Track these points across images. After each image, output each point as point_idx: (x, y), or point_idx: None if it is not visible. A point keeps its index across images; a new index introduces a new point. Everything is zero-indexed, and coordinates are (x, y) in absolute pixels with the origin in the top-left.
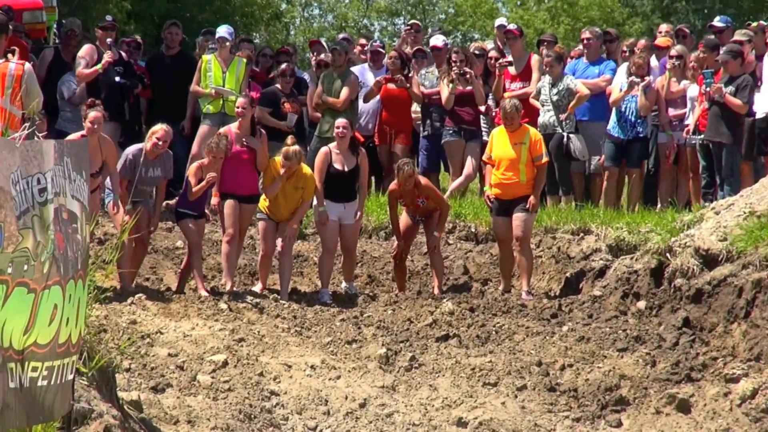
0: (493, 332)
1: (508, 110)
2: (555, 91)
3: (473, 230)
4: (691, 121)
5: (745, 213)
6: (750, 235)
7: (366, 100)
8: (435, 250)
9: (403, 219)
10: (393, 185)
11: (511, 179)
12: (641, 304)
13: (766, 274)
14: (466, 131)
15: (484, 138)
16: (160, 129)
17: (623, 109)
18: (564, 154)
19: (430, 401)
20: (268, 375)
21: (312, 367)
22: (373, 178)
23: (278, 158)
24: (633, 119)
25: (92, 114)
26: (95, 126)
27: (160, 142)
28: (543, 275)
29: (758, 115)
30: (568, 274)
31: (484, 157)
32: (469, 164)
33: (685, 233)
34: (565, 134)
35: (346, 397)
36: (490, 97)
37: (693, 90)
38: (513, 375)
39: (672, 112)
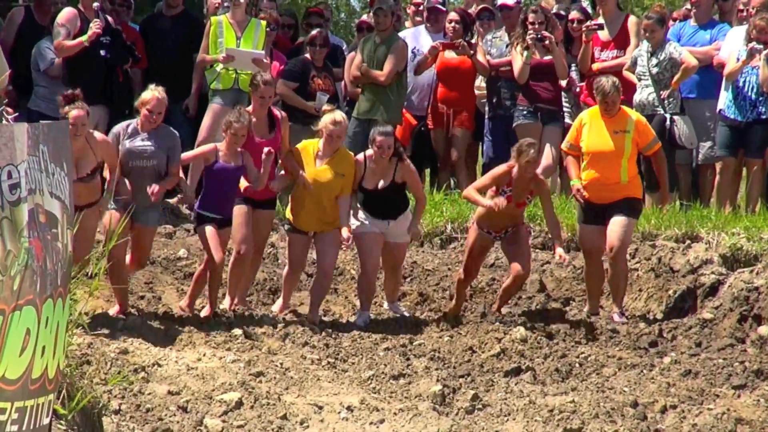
0: (577, 365)
1: (607, 91)
2: (655, 61)
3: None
4: None
5: None
6: None
7: (418, 72)
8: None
9: (473, 234)
10: (503, 169)
11: (609, 179)
12: (763, 329)
13: None
14: (543, 112)
15: (567, 121)
16: (151, 96)
17: (740, 84)
18: (667, 141)
19: None
20: (293, 418)
21: (349, 408)
22: (427, 171)
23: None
24: (753, 97)
25: (73, 113)
26: (78, 127)
27: (154, 115)
28: (639, 293)
29: None
30: (671, 292)
31: (564, 146)
32: (548, 153)
33: None
34: (667, 116)
35: None
36: (573, 69)
37: None
38: (602, 419)
39: None
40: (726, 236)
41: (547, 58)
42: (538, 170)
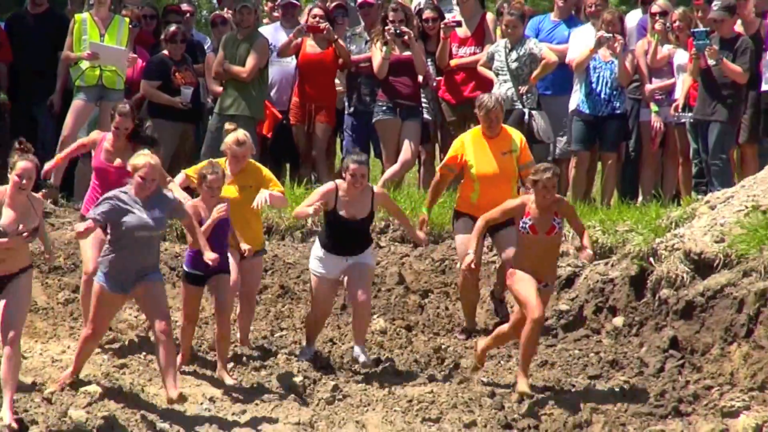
0: (435, 356)
1: (491, 107)
2: (515, 56)
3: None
4: (680, 95)
5: (746, 207)
6: (753, 235)
7: (280, 55)
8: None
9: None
10: (516, 202)
11: (500, 201)
12: (618, 320)
13: None
14: (403, 107)
15: (425, 116)
16: (144, 163)
17: (594, 80)
18: (525, 136)
19: None
20: (156, 410)
21: (211, 399)
22: (288, 165)
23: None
24: (608, 92)
25: (21, 164)
26: (23, 181)
27: (147, 182)
28: (496, 285)
29: (764, 87)
30: None
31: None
32: (407, 148)
33: (673, 233)
34: (526, 111)
35: None
36: (429, 64)
37: (681, 56)
38: (460, 408)
39: (657, 83)
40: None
41: (406, 54)
42: (396, 167)
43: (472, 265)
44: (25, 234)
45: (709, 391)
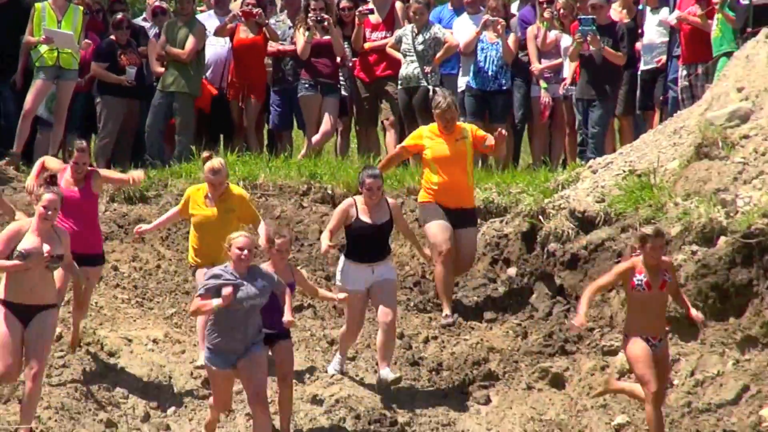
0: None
1: (445, 108)
2: (421, 39)
3: (330, 192)
4: (567, 74)
5: (624, 172)
6: (629, 196)
7: (217, 34)
8: None
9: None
10: (626, 265)
11: (456, 183)
12: (512, 270)
13: None
14: (323, 85)
15: (342, 93)
16: (238, 234)
17: (481, 59)
18: (429, 110)
19: None
20: (106, 349)
21: (154, 341)
22: (222, 137)
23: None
24: (494, 69)
25: (47, 197)
26: (49, 212)
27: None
28: (405, 241)
29: (642, 67)
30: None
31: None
32: (327, 121)
33: (560, 194)
34: (430, 87)
35: (191, 374)
36: (346, 47)
37: (567, 40)
38: (372, 348)
39: (545, 63)
40: (479, 191)
41: (326, 38)
42: (318, 137)
43: (581, 327)
44: (46, 256)
45: (591, 333)
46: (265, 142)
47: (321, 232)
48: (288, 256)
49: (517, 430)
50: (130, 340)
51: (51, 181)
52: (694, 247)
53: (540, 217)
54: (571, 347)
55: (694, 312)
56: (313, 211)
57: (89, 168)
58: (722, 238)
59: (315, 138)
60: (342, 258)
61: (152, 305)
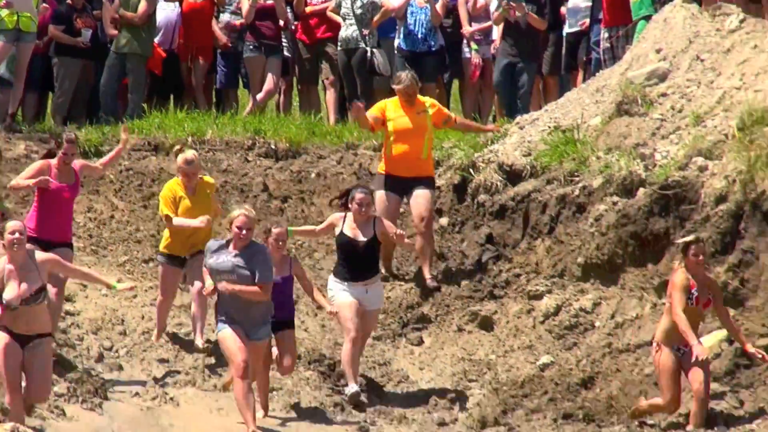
0: (293, 249)
1: (407, 84)
2: (359, 3)
3: (273, 147)
4: (497, 36)
5: (549, 128)
6: (554, 150)
7: None
8: None
9: (664, 356)
10: (685, 276)
11: (412, 154)
12: (444, 220)
13: (571, 190)
14: (267, 46)
15: (285, 54)
16: (238, 214)
17: (411, 22)
18: (367, 70)
19: None
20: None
21: (108, 286)
22: (172, 96)
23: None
24: (423, 31)
25: (11, 225)
26: (15, 239)
27: (243, 231)
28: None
29: (567, 30)
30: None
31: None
32: (270, 80)
33: (489, 148)
34: (368, 49)
35: (143, 317)
36: (289, 11)
37: (495, 4)
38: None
39: (476, 26)
40: None
41: (270, 2)
42: (261, 95)
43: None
44: (27, 297)
45: (518, 278)
46: (213, 100)
47: (265, 184)
48: (285, 247)
49: (448, 369)
50: (85, 286)
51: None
52: (615, 198)
53: (470, 170)
54: (500, 292)
55: (750, 348)
56: (257, 164)
57: (76, 162)
58: (641, 190)
59: (259, 96)
60: (330, 280)
61: (106, 253)
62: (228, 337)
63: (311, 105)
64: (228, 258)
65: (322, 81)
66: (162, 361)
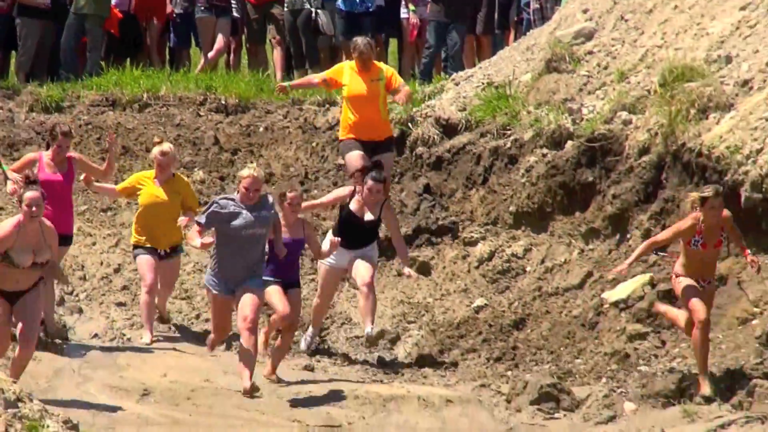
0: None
1: (363, 50)
2: None
3: (223, 102)
4: None
5: (483, 84)
6: (488, 105)
7: None
8: None
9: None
10: (688, 223)
11: (370, 119)
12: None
13: (503, 142)
14: (217, 8)
15: (234, 14)
16: (248, 174)
17: None
18: (312, 30)
19: None
20: None
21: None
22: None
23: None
24: None
25: (29, 194)
26: (34, 209)
27: (250, 192)
28: (290, 145)
29: None
30: (314, 144)
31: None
32: (220, 39)
33: (427, 104)
34: (313, 10)
35: (102, 263)
36: None
37: None
38: None
39: None
40: None
41: None
42: (212, 53)
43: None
44: (30, 263)
45: (454, 225)
46: (167, 58)
47: (216, 137)
48: (299, 210)
49: (388, 311)
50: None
51: (31, 179)
52: (545, 150)
53: (409, 124)
54: (437, 239)
55: (750, 256)
56: (209, 119)
57: (70, 154)
58: (569, 142)
59: (210, 55)
60: (329, 234)
61: None
62: (217, 300)
63: (259, 63)
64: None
65: (270, 40)
66: (120, 304)
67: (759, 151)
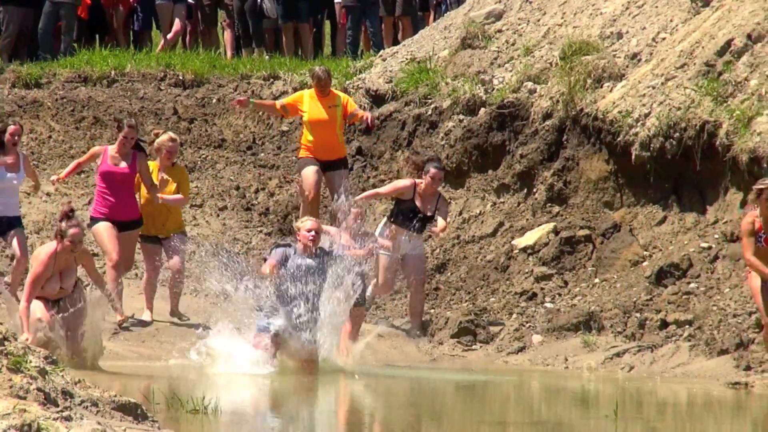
0: (198, 162)
1: (322, 77)
2: None
3: (181, 78)
4: None
5: (407, 59)
6: (411, 78)
7: None
8: None
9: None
10: (749, 219)
11: (328, 142)
12: None
13: (425, 110)
14: None
15: (189, 1)
16: (72, 230)
17: None
18: (257, 14)
19: None
20: None
21: (47, 194)
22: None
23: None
24: None
25: (73, 231)
26: (76, 246)
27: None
28: (240, 114)
29: None
30: (260, 113)
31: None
32: (177, 23)
33: (358, 77)
34: None
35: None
36: None
37: None
38: (215, 197)
39: None
40: (296, 75)
41: None
42: (170, 35)
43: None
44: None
45: (382, 183)
46: (131, 40)
47: (175, 108)
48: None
49: None
50: (28, 194)
51: (70, 214)
52: (461, 117)
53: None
54: None
55: None
56: (168, 92)
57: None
58: (482, 109)
59: (169, 36)
60: (384, 219)
61: (45, 167)
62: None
63: (211, 43)
64: (304, 261)
65: (220, 23)
66: (94, 255)
67: (647, 115)
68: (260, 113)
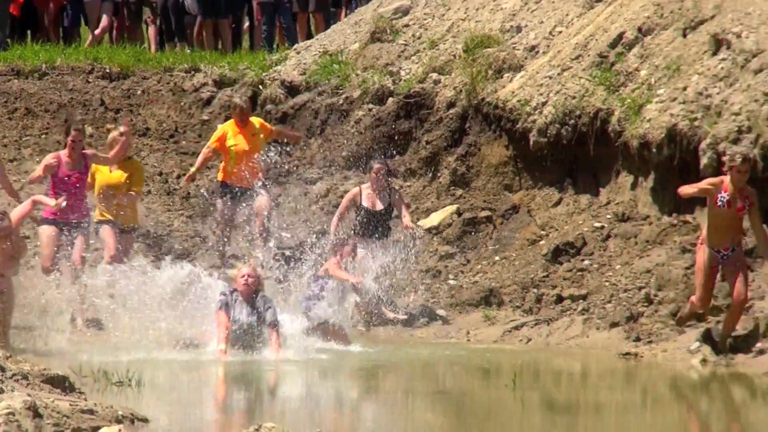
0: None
1: (244, 107)
2: None
3: (108, 70)
4: None
5: (320, 52)
6: (324, 70)
7: None
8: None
9: (703, 255)
10: (717, 179)
11: (250, 169)
12: None
13: (337, 100)
14: None
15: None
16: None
17: None
18: (179, 10)
19: None
20: None
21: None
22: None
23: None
24: None
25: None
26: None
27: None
28: (163, 105)
29: None
30: (182, 103)
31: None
32: (104, 19)
33: (274, 69)
34: None
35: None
36: None
37: None
38: None
39: None
40: (216, 68)
41: None
42: (98, 31)
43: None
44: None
45: (297, 168)
46: (61, 35)
47: (102, 99)
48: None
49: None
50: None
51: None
52: (371, 106)
53: (260, 86)
54: (283, 179)
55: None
56: (96, 84)
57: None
58: (390, 99)
59: (96, 32)
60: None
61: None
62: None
63: (137, 38)
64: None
65: (145, 19)
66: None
67: (544, 104)
68: (183, 104)
